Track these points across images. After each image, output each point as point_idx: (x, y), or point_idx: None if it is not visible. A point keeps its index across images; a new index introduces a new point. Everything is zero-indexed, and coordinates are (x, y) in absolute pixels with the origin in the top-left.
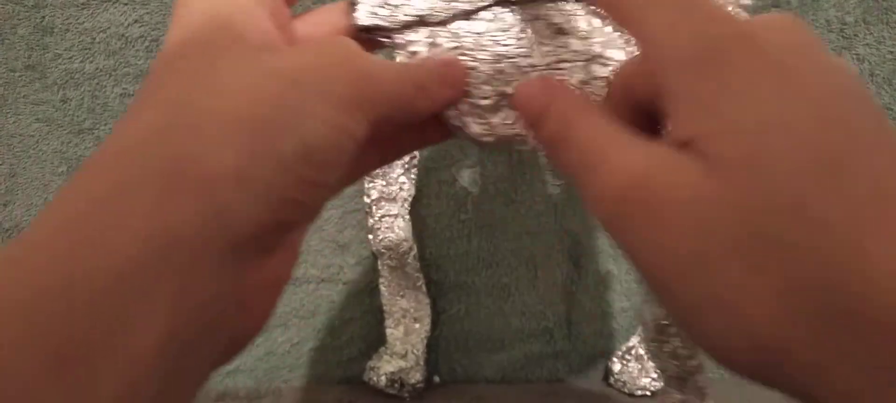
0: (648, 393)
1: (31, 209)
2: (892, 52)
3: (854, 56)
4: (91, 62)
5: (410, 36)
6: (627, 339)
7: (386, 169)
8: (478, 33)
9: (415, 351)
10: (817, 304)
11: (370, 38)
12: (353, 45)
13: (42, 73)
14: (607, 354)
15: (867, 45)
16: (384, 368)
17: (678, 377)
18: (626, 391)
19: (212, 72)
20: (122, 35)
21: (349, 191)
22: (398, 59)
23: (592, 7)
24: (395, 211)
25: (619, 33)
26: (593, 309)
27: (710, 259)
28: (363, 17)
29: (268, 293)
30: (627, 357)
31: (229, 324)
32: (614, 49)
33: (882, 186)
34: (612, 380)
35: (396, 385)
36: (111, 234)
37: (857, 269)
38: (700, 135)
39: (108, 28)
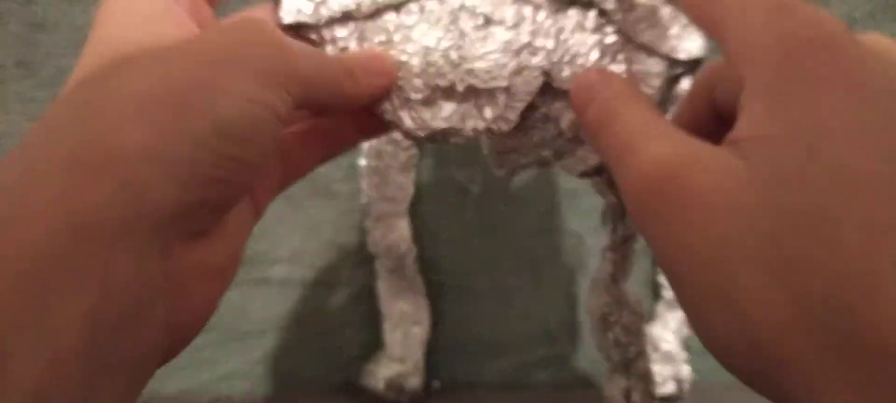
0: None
1: None
2: None
3: None
4: None
5: (338, 31)
6: None
7: (383, 169)
8: (407, 27)
9: (414, 356)
10: (826, 322)
11: (298, 35)
12: (268, 23)
13: (33, 70)
14: None
15: None
16: (382, 372)
17: (622, 363)
18: None
19: (122, 66)
20: None
21: (346, 190)
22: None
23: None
24: (393, 212)
25: (550, 21)
26: None
27: (729, 262)
28: (287, 14)
29: (208, 283)
30: None
31: (160, 311)
32: (543, 37)
33: None
34: None
35: (395, 389)
36: (22, 222)
37: (867, 295)
38: (753, 137)
39: None
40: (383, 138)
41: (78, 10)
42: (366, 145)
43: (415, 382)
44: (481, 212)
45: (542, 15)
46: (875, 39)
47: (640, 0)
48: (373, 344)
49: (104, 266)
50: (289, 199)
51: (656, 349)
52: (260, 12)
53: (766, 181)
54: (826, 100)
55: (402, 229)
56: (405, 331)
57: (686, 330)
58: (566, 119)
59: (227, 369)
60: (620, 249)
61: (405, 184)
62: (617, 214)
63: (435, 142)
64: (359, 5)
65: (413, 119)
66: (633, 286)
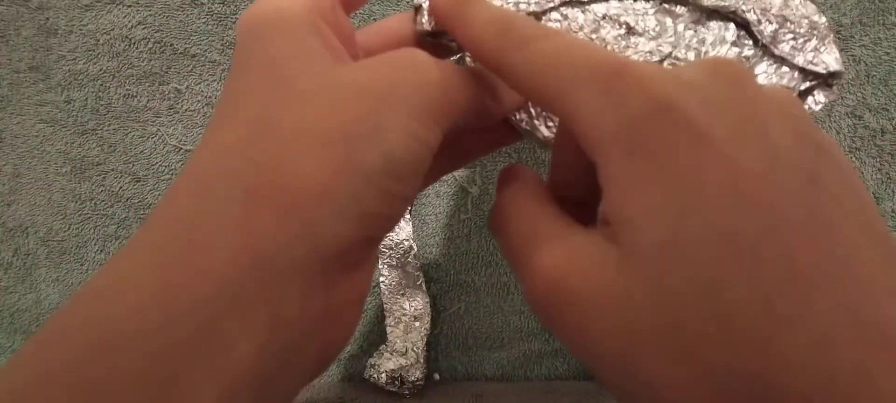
0: None
1: (35, 209)
2: (888, 54)
3: (850, 57)
4: (95, 63)
5: None
6: None
7: None
8: None
9: (415, 349)
10: (732, 391)
11: (436, 42)
12: (423, 55)
13: (46, 74)
14: None
15: (863, 46)
16: (384, 366)
17: None
18: None
19: (288, 87)
20: (126, 37)
21: None
22: (468, 63)
23: None
24: None
25: (690, 32)
26: None
27: (633, 351)
28: (429, 23)
29: (354, 309)
30: None
31: (319, 339)
32: (684, 48)
33: (796, 268)
34: None
35: (397, 382)
36: (202, 250)
37: (766, 356)
38: (616, 221)
39: (112, 30)
40: None
41: (89, 16)
42: None
43: (416, 375)
44: (480, 212)
45: (682, 26)
46: (704, 73)
47: (782, 12)
48: (375, 339)
49: (277, 300)
50: None
51: None
52: (397, 23)
53: (644, 266)
54: (668, 172)
55: (403, 228)
56: (407, 326)
57: None
58: None
59: None
60: None
61: None
62: None
63: None
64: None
65: (549, 128)
66: None
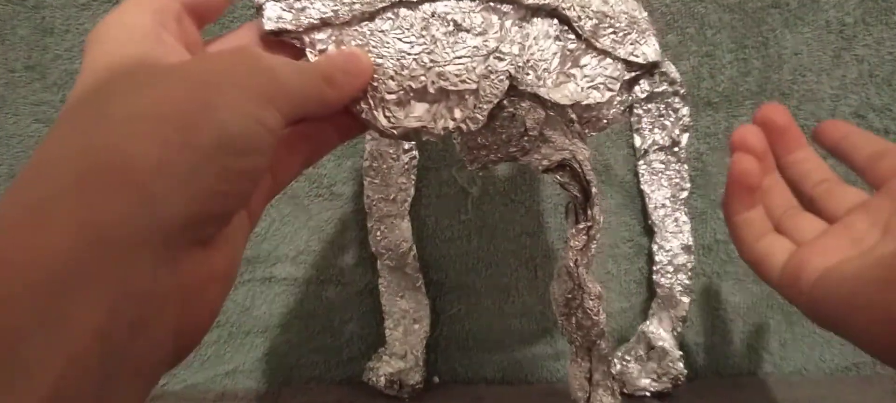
0: (647, 394)
1: None
2: (891, 53)
3: (853, 57)
4: None
5: (317, 35)
6: (627, 339)
7: (385, 171)
8: (382, 31)
9: (414, 352)
10: None
11: (280, 41)
12: (257, 50)
13: (42, 74)
14: None
15: (867, 45)
16: (383, 369)
17: (584, 346)
18: (625, 391)
19: (125, 80)
20: None
21: (349, 192)
22: (309, 57)
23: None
24: (394, 212)
25: (516, 28)
26: None
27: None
28: (269, 21)
29: (211, 288)
30: (627, 357)
31: (173, 314)
32: (509, 43)
33: None
34: None
35: (395, 385)
36: (41, 234)
37: None
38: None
39: None
40: (385, 142)
41: (86, 15)
42: (368, 148)
43: (415, 378)
44: (480, 213)
45: (508, 23)
46: None
47: (601, 8)
48: (374, 341)
49: (118, 277)
50: (293, 200)
51: (651, 346)
52: (245, 30)
53: None
54: None
55: (403, 229)
56: (406, 328)
57: (680, 328)
58: (531, 119)
59: (233, 365)
60: (581, 238)
61: (406, 186)
62: (579, 206)
63: (408, 139)
64: (336, 13)
65: (387, 117)
66: (630, 285)
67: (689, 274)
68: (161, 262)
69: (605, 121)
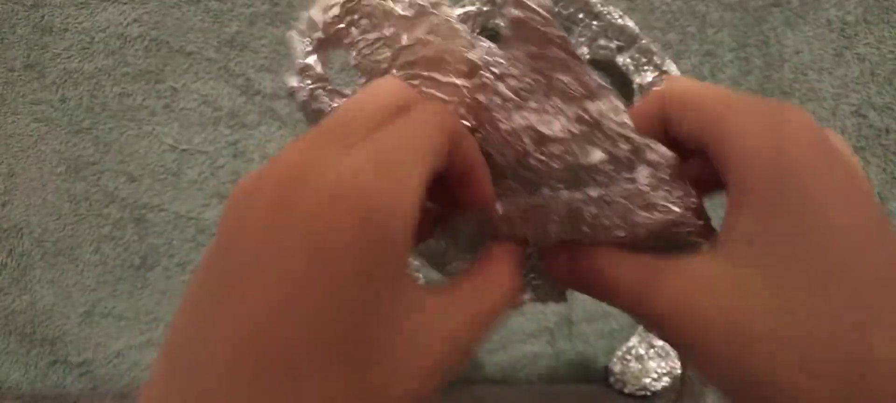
0: (648, 394)
1: (30, 209)
2: (892, 52)
3: (855, 55)
4: (90, 62)
5: None
6: (627, 339)
7: None
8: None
9: None
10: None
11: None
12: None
13: (41, 73)
14: (607, 354)
15: (868, 44)
16: None
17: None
18: (626, 391)
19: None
20: (121, 34)
21: None
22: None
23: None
24: None
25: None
26: (593, 309)
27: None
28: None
29: None
30: (628, 357)
31: None
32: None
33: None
34: (612, 380)
35: None
36: None
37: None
38: (748, 239)
39: (107, 27)
40: None
41: (85, 14)
42: None
43: None
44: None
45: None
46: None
47: None
48: None
49: None
50: None
51: (652, 345)
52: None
53: (758, 280)
54: (822, 203)
55: None
56: None
57: None
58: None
59: None
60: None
61: None
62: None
63: None
64: None
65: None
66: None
67: None
68: None
69: None
